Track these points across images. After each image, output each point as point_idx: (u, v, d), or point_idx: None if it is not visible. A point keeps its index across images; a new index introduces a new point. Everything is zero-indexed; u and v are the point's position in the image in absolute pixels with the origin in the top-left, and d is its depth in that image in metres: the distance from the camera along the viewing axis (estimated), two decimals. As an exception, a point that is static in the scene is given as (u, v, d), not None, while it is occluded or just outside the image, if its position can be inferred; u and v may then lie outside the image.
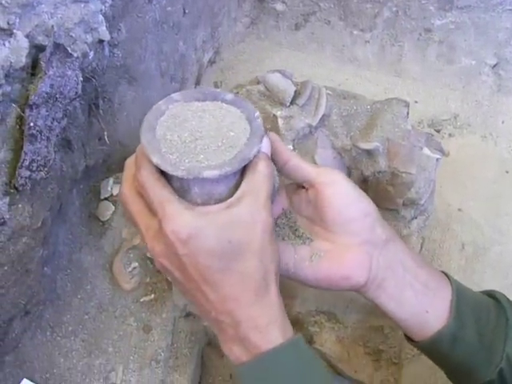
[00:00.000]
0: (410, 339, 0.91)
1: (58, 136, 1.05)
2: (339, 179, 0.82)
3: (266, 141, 0.72)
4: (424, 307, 0.84)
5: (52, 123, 1.01)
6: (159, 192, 0.68)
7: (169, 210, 0.66)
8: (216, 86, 1.80)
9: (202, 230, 0.66)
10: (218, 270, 0.68)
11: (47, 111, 0.98)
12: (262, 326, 0.70)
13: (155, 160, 0.64)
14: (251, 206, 0.68)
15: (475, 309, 0.85)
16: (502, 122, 1.78)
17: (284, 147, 0.80)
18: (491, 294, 0.91)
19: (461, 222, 1.54)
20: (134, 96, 1.39)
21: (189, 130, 0.66)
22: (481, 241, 1.50)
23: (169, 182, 0.67)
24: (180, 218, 0.66)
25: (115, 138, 1.35)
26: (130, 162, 0.79)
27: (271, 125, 1.10)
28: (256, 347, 0.69)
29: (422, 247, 1.22)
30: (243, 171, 0.69)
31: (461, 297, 0.85)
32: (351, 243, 0.80)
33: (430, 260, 1.42)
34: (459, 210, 1.57)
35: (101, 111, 1.27)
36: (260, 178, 0.69)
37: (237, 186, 0.68)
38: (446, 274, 0.91)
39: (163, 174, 0.66)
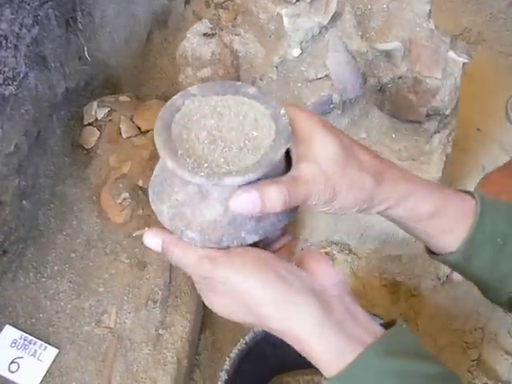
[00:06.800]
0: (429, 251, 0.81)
1: (28, 47, 0.93)
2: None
3: None
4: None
5: (20, 29, 0.88)
6: None
7: None
8: (207, 4, 1.65)
9: None
10: None
11: (12, 13, 0.85)
12: None
13: (170, 165, 0.60)
14: None
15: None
16: (519, 36, 1.68)
17: None
18: None
19: (480, 142, 1.44)
20: (118, 10, 1.25)
21: (207, 128, 0.63)
22: (502, 161, 1.40)
23: (184, 187, 0.63)
24: None
25: (98, 56, 1.23)
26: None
27: (275, 25, 0.97)
28: None
29: (445, 166, 1.11)
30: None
31: (485, 216, 0.74)
32: None
33: (449, 183, 1.32)
34: (478, 129, 1.46)
35: (79, 25, 1.14)
36: None
37: None
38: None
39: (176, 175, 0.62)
